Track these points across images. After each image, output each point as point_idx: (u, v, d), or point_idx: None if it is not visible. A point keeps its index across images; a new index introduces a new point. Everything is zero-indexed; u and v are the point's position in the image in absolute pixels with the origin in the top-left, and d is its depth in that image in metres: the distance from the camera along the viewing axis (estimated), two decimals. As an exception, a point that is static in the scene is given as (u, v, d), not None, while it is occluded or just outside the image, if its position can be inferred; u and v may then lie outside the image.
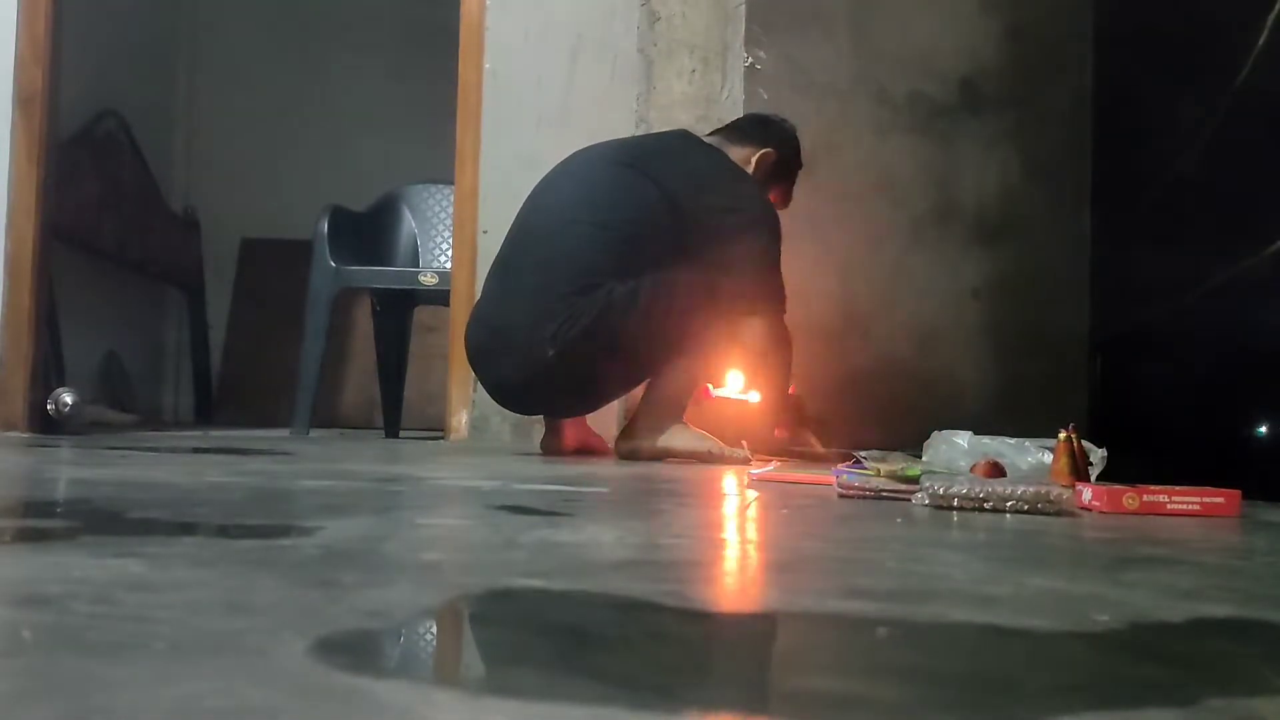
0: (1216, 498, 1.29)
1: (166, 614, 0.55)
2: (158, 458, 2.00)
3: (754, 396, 2.37)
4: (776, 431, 2.36)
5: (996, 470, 1.74)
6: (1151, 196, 2.33)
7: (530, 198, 2.31)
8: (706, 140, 2.34)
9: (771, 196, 2.31)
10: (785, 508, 1.36)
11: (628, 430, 2.29)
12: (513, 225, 2.31)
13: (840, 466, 1.62)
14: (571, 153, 2.35)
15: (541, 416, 2.45)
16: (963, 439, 1.86)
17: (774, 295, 2.22)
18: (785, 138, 2.36)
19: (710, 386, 2.39)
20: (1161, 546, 1.03)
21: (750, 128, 2.38)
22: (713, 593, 0.72)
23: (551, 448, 2.35)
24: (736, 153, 2.30)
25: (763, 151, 2.31)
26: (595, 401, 2.33)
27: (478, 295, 2.86)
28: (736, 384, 2.38)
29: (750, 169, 2.30)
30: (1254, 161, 1.89)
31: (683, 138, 2.37)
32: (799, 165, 2.39)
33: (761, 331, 2.21)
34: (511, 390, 2.26)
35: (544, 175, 2.34)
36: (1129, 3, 2.57)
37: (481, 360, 2.28)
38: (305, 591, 0.63)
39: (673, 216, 2.16)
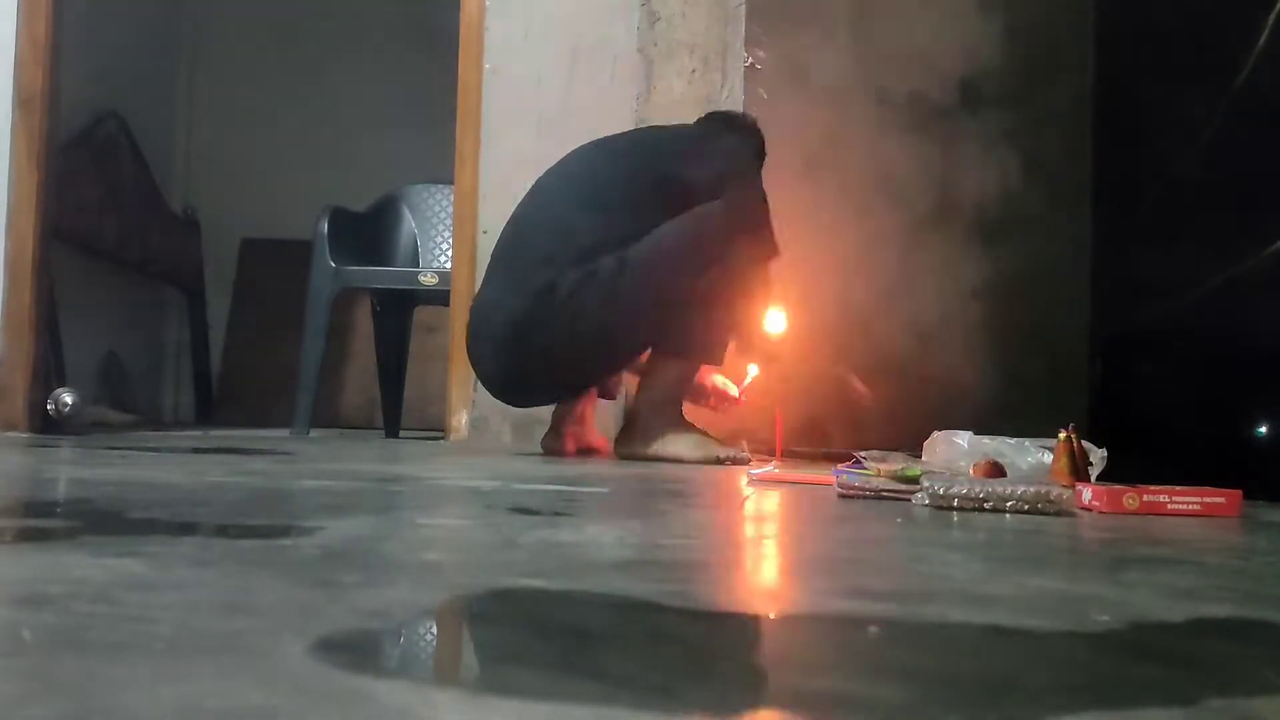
0: (1216, 498, 1.29)
1: (166, 614, 0.55)
2: (158, 458, 2.00)
3: (753, 370, 2.35)
4: (735, 349, 2.29)
5: (996, 470, 1.73)
6: (1151, 196, 2.33)
7: (524, 197, 2.33)
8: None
9: None
10: (785, 508, 1.36)
11: (625, 432, 2.29)
12: (505, 225, 2.33)
13: (840, 466, 1.62)
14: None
15: (543, 415, 2.45)
16: (963, 439, 1.86)
17: (750, 215, 2.16)
18: (750, 129, 2.38)
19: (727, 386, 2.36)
20: (1161, 546, 1.03)
21: (719, 122, 2.41)
22: (713, 593, 0.72)
23: (552, 447, 2.35)
24: None
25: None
26: (579, 385, 2.30)
27: (478, 295, 2.86)
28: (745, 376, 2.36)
29: None
30: (1254, 161, 1.89)
31: (660, 127, 2.42)
32: (764, 155, 2.39)
33: (743, 256, 2.14)
34: (499, 382, 2.27)
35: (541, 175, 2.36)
36: (1129, 3, 2.57)
37: (473, 353, 2.32)
38: (305, 591, 0.63)
39: (658, 188, 2.18)
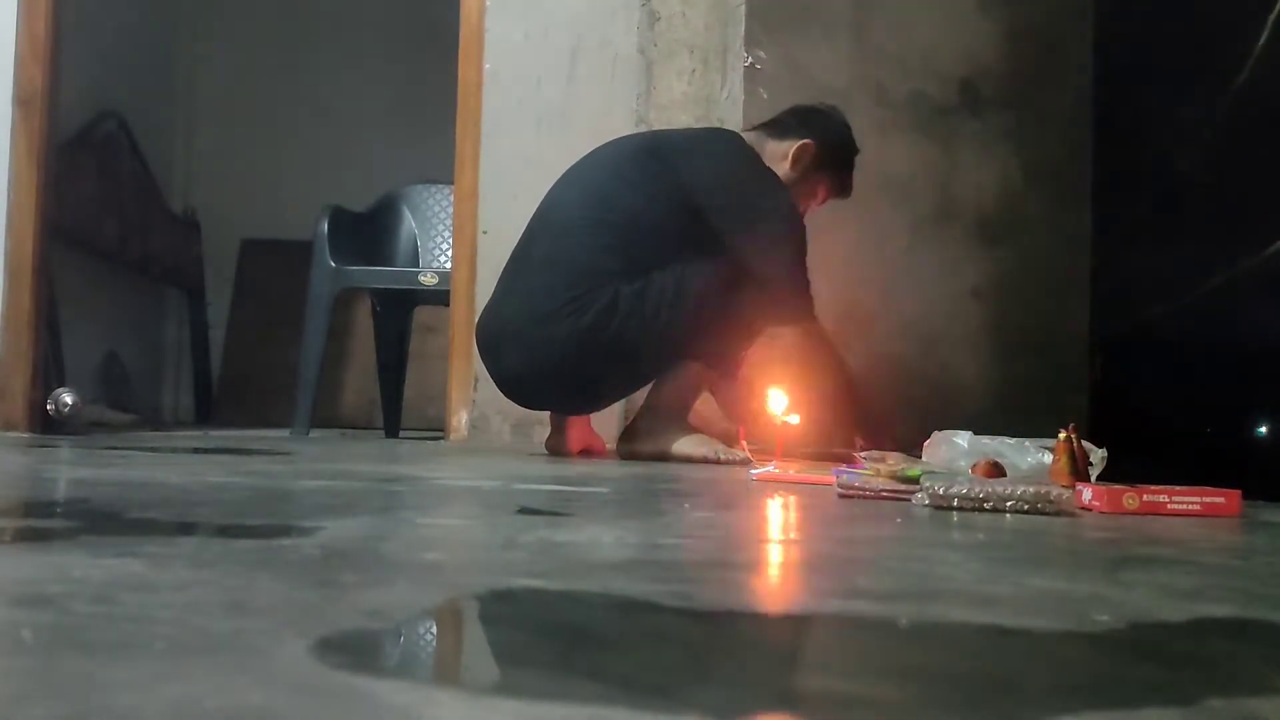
0: (1216, 498, 1.29)
1: (166, 614, 0.55)
2: (158, 458, 2.00)
3: (794, 419, 2.30)
4: (858, 443, 2.20)
5: (996, 470, 1.73)
6: (1151, 196, 2.33)
7: (549, 192, 2.31)
8: (745, 135, 2.30)
9: (819, 189, 2.28)
10: (785, 508, 1.36)
11: (628, 432, 2.30)
12: (530, 219, 2.30)
13: (840, 466, 1.62)
14: (595, 147, 2.32)
15: (544, 416, 2.45)
16: (963, 439, 1.86)
17: (796, 300, 2.17)
18: (827, 126, 2.29)
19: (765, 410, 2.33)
20: (1161, 546, 1.03)
21: (790, 120, 2.31)
22: (713, 593, 0.72)
23: (556, 447, 2.35)
24: (774, 147, 2.25)
25: (801, 143, 2.25)
26: (598, 400, 2.33)
27: (478, 295, 2.86)
28: (780, 403, 2.32)
29: (787, 163, 2.24)
30: (1254, 161, 1.89)
31: (712, 132, 2.37)
32: (849, 153, 2.32)
33: (792, 341, 2.17)
34: (516, 384, 2.26)
35: (565, 169, 2.33)
36: (1129, 3, 2.57)
37: (489, 353, 2.30)
38: (305, 591, 0.63)
39: (685, 212, 2.14)
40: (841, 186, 2.33)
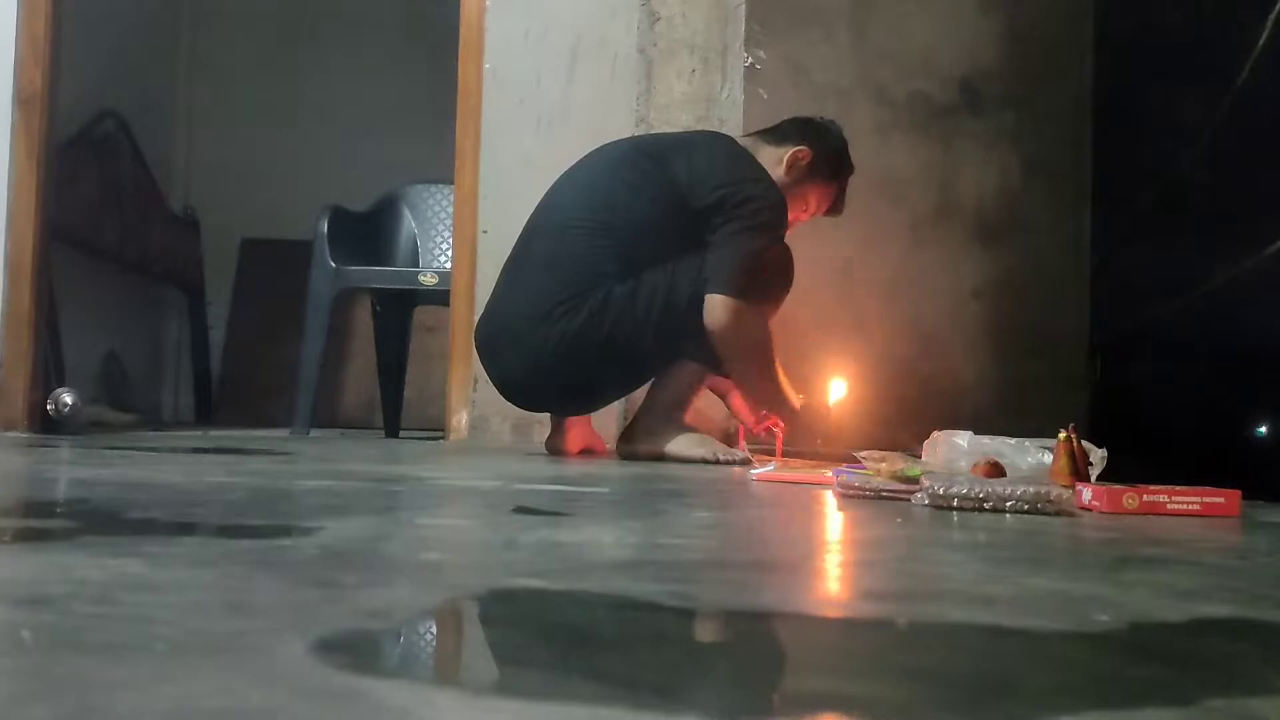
0: (1216, 498, 1.29)
1: (166, 614, 0.55)
2: (158, 458, 2.00)
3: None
4: (764, 424, 2.26)
5: (996, 470, 1.73)
6: (1151, 196, 2.33)
7: (546, 194, 2.31)
8: (741, 140, 2.30)
9: (810, 198, 2.27)
10: (786, 508, 1.36)
11: (628, 432, 2.30)
12: (528, 220, 2.30)
13: (840, 466, 1.62)
14: (595, 148, 2.32)
15: (543, 416, 2.45)
16: (963, 439, 1.86)
17: (729, 272, 2.08)
18: (824, 137, 2.28)
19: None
20: (1161, 546, 1.03)
21: (787, 128, 2.30)
22: (713, 593, 0.72)
23: (556, 448, 2.35)
24: (769, 152, 2.24)
25: (796, 149, 2.24)
26: (594, 401, 2.33)
27: (478, 295, 2.86)
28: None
29: (781, 168, 2.23)
30: (1254, 161, 1.89)
31: (708, 135, 2.36)
32: (844, 168, 2.30)
33: (709, 312, 2.08)
34: (514, 385, 2.27)
35: (564, 170, 2.33)
36: (1129, 3, 2.57)
37: (487, 354, 2.30)
38: (305, 591, 0.63)
39: (681, 213, 2.14)
40: (833, 201, 2.31)
